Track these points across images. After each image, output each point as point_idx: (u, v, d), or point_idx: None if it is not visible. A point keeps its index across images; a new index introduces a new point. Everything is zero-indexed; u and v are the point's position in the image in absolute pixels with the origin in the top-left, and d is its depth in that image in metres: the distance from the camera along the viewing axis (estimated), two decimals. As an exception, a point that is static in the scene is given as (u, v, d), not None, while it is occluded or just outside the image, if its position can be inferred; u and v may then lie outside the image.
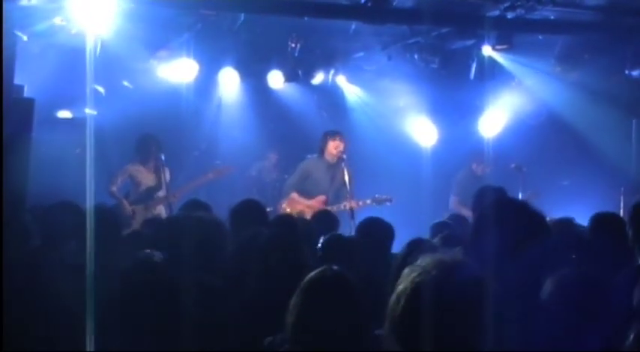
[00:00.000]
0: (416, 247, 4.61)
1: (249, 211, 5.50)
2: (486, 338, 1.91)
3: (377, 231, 5.46)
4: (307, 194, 9.17)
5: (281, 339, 2.89)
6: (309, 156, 9.56)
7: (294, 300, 2.83)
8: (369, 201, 9.09)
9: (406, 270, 1.93)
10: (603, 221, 4.65)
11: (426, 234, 5.77)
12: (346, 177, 8.83)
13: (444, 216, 7.36)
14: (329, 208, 8.54)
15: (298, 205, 9.04)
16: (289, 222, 5.61)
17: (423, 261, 1.94)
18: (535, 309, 2.81)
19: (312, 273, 2.92)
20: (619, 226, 4.52)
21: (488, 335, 1.90)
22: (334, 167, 9.11)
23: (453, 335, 1.87)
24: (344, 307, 2.82)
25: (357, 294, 2.86)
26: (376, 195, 9.17)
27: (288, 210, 8.98)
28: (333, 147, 9.06)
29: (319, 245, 4.75)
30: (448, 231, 5.74)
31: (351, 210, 8.72)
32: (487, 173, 10.21)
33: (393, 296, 1.89)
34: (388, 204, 9.13)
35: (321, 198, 9.07)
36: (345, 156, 9.04)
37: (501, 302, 2.00)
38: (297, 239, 4.42)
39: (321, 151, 9.19)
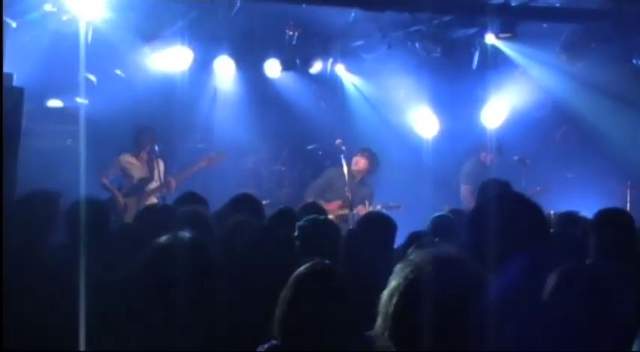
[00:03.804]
0: (416, 240, 4.62)
1: (243, 204, 5.50)
2: (484, 337, 1.91)
3: (377, 225, 5.43)
4: (327, 200, 9.35)
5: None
6: (332, 168, 9.75)
7: (283, 295, 2.86)
8: (378, 207, 9.17)
9: (398, 266, 1.94)
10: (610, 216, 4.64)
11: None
12: (365, 192, 9.09)
13: (444, 209, 7.37)
14: (340, 211, 8.95)
15: None
16: (289, 216, 5.56)
17: (417, 256, 1.95)
18: (537, 307, 2.81)
19: (302, 268, 2.95)
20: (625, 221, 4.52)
21: (486, 333, 1.90)
22: (354, 181, 9.26)
23: (448, 333, 1.87)
24: (333, 302, 2.84)
25: (347, 289, 2.89)
26: (390, 203, 9.34)
27: None
28: (354, 162, 9.32)
29: (296, 232, 4.66)
30: (440, 222, 5.77)
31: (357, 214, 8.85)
32: (492, 162, 10.23)
33: (385, 293, 1.90)
34: (396, 210, 9.23)
35: (337, 202, 9.23)
36: (365, 174, 9.37)
37: (500, 299, 2.01)
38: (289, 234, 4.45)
39: (348, 163, 9.33)
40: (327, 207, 9.09)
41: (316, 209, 6.33)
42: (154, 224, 4.33)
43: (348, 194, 8.85)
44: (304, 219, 4.77)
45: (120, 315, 3.51)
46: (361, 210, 8.90)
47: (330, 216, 8.67)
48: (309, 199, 9.23)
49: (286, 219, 5.29)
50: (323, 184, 9.48)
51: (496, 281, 2.10)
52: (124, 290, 3.66)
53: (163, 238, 3.07)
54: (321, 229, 4.61)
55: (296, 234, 4.52)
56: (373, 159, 9.42)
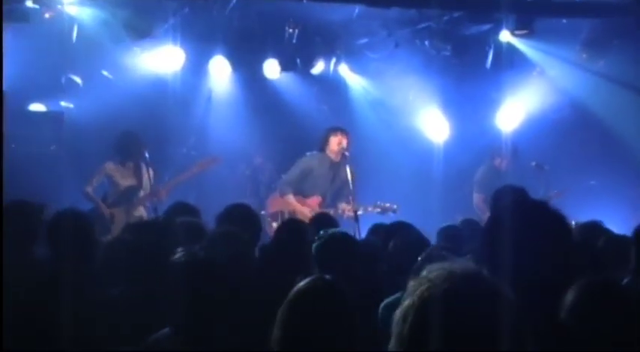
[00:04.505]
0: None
1: (236, 216, 5.40)
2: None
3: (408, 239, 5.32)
4: (304, 192, 9.06)
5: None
6: (308, 153, 9.44)
7: (281, 312, 2.80)
8: (370, 208, 8.93)
9: (412, 283, 1.85)
10: None
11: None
12: (349, 177, 8.69)
13: (456, 219, 7.30)
14: (325, 211, 8.31)
15: (290, 206, 8.97)
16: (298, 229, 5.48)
17: (431, 272, 1.86)
18: (556, 325, 2.74)
19: (301, 283, 2.90)
20: None
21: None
22: (336, 165, 9.00)
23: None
24: (332, 319, 2.79)
25: (350, 306, 2.83)
26: (378, 202, 9.02)
27: (275, 209, 8.98)
28: (335, 142, 8.91)
29: (314, 246, 4.64)
30: (449, 233, 5.70)
31: (354, 213, 8.60)
32: (507, 168, 10.14)
33: (399, 312, 1.81)
34: (392, 213, 8.97)
35: (316, 199, 8.98)
36: (347, 154, 8.90)
37: (519, 318, 1.94)
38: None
39: (323, 148, 9.07)
40: (308, 205, 8.92)
41: (328, 219, 6.27)
42: (153, 238, 4.26)
43: (351, 197, 8.68)
44: (324, 232, 4.74)
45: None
46: (351, 209, 8.68)
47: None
48: (287, 193, 9.06)
49: (293, 231, 5.23)
50: (299, 173, 9.10)
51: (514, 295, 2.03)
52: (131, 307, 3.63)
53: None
54: (342, 245, 4.60)
55: (315, 245, 4.51)
56: (347, 133, 9.17)
